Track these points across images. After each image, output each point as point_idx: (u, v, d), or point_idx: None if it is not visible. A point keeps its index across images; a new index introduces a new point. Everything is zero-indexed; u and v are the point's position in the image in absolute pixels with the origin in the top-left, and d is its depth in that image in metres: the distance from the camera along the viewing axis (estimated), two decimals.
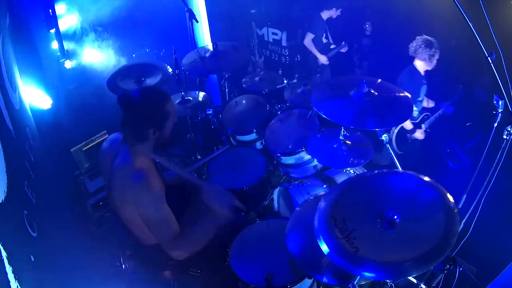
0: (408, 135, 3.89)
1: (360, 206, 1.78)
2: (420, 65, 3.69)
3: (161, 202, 2.02)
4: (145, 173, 2.02)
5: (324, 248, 1.61)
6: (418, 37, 3.66)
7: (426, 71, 3.73)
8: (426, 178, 1.79)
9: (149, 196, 1.98)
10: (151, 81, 3.51)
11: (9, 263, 1.19)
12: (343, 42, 5.04)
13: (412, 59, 3.75)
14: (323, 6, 5.00)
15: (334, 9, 4.96)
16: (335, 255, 1.57)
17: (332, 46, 5.19)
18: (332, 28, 5.22)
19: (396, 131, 3.86)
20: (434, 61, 3.62)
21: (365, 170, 2.99)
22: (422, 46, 3.58)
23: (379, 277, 1.49)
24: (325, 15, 5.03)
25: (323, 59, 5.07)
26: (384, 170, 1.96)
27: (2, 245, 1.18)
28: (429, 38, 3.60)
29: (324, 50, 5.16)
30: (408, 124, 3.80)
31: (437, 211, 1.63)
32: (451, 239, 1.51)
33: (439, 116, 4.02)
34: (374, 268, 1.49)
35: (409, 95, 2.47)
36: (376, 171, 1.95)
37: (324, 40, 5.19)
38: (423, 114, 3.96)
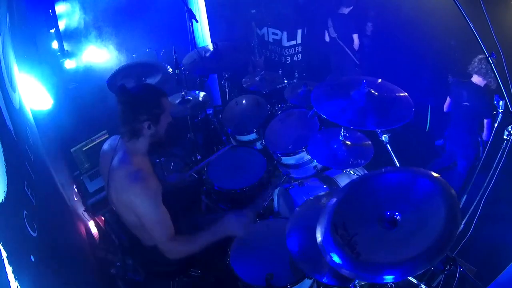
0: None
1: (360, 210, 1.77)
2: (480, 81, 3.61)
3: (158, 204, 2.04)
4: (143, 174, 2.04)
5: (329, 259, 1.60)
6: (481, 56, 3.48)
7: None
8: (418, 169, 1.77)
9: (146, 197, 1.99)
10: (151, 81, 3.51)
11: (9, 263, 1.19)
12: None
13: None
14: (342, 3, 5.04)
15: (352, 6, 5.05)
16: (341, 266, 1.56)
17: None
18: None
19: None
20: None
21: (365, 171, 2.99)
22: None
23: (387, 279, 1.47)
24: (344, 12, 5.11)
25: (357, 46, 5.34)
26: (383, 170, 1.93)
27: (2, 245, 1.18)
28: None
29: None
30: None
31: (436, 200, 1.60)
32: (456, 225, 1.48)
33: None
34: (380, 271, 1.47)
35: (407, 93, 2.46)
36: (369, 173, 1.94)
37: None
38: None
